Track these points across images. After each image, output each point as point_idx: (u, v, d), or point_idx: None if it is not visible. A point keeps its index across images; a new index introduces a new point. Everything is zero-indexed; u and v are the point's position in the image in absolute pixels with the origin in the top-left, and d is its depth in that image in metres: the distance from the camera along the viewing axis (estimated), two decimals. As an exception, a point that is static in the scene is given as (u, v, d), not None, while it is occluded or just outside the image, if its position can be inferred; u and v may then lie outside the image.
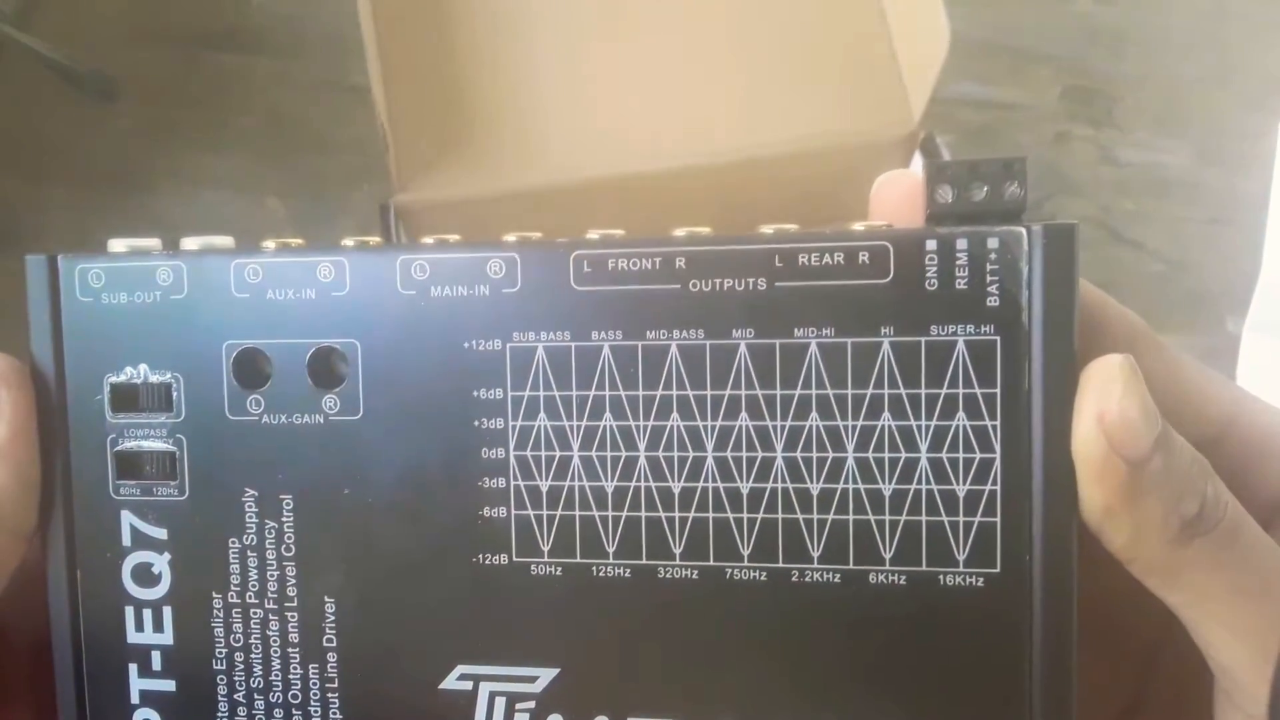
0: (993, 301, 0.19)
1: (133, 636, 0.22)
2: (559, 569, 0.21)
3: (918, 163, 0.49)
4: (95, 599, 0.21)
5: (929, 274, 0.19)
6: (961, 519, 0.19)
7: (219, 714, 0.22)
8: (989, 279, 0.19)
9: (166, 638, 0.22)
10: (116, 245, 0.21)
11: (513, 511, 0.21)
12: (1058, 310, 0.19)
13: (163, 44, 0.57)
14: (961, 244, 0.19)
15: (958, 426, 0.19)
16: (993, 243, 0.19)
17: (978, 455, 0.19)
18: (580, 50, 0.47)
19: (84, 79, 0.54)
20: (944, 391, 0.20)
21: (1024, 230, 0.19)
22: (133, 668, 0.22)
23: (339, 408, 0.21)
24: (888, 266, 0.19)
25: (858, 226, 0.20)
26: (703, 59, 0.48)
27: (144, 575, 0.21)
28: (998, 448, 0.19)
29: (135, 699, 0.22)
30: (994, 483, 0.19)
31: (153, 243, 0.21)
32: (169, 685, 0.22)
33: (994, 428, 0.19)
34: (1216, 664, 0.18)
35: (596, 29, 0.47)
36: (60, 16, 0.56)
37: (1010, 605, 0.18)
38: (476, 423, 0.21)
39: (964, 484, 0.19)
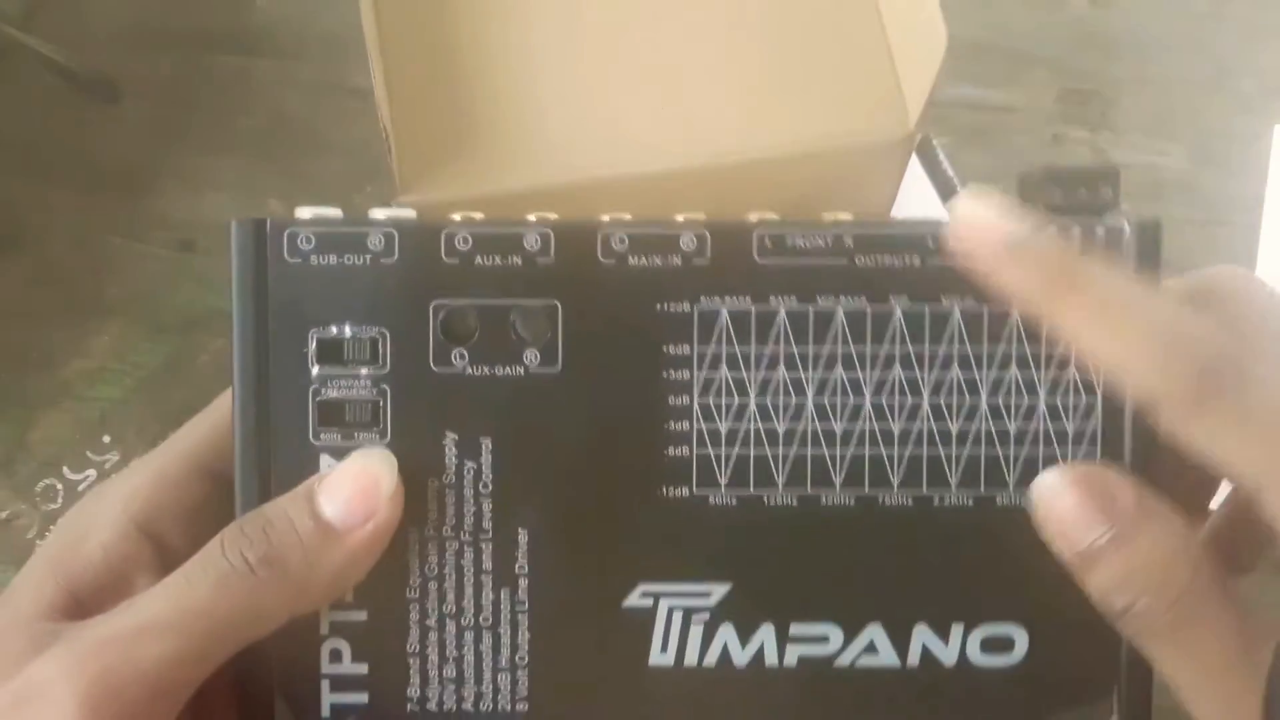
0: None
1: None
2: (734, 499, 0.23)
3: (916, 166, 0.49)
4: None
5: None
6: (1070, 448, 0.24)
7: (410, 639, 0.23)
8: None
9: None
10: (304, 213, 0.23)
11: (695, 450, 0.23)
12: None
13: (165, 46, 0.57)
14: (1076, 231, 0.23)
15: (1070, 377, 0.24)
16: (1100, 231, 0.23)
17: (1084, 399, 0.24)
18: (581, 52, 0.47)
19: (87, 81, 0.54)
20: (1059, 351, 0.24)
21: (1125, 221, 0.23)
22: None
23: (539, 361, 0.23)
24: None
25: None
26: (701, 61, 0.48)
27: None
28: (1099, 393, 0.24)
29: (325, 630, 0.23)
30: (1095, 421, 0.24)
31: (334, 212, 0.23)
32: (360, 615, 0.23)
33: (1097, 379, 0.24)
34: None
35: (597, 31, 0.47)
36: (63, 19, 0.57)
37: None
38: (665, 374, 0.23)
39: (1071, 422, 0.24)
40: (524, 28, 0.47)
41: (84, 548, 0.22)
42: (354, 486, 0.22)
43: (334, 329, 0.23)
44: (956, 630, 0.23)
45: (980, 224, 0.21)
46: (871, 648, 0.23)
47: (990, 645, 0.23)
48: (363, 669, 0.23)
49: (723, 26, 0.48)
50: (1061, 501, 0.21)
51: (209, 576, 0.21)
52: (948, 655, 0.23)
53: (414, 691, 0.23)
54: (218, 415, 0.24)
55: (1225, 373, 0.20)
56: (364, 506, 0.21)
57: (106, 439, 0.46)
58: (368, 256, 0.23)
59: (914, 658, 0.23)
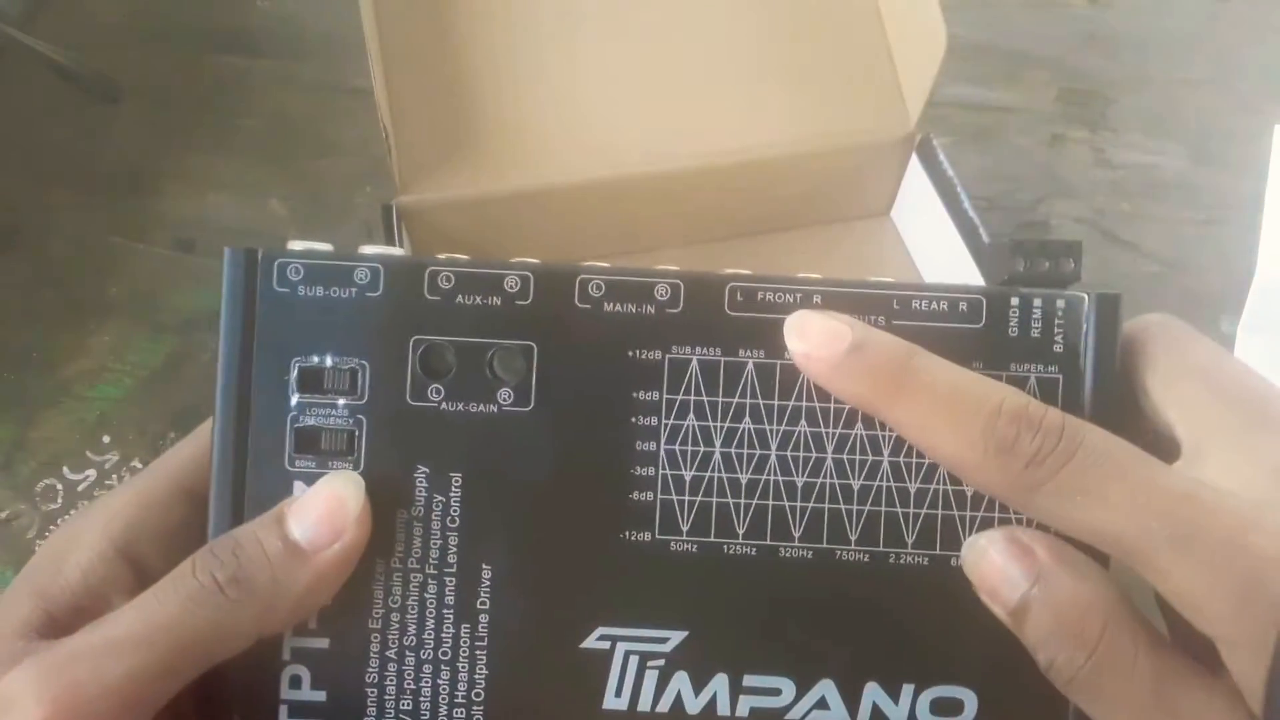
0: (1058, 348, 0.24)
1: None
2: (695, 546, 0.24)
3: (916, 166, 0.49)
4: None
5: (1011, 323, 0.24)
6: None
7: (369, 669, 0.23)
8: (1056, 330, 0.24)
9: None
10: (295, 245, 0.24)
11: (659, 496, 0.24)
12: (1105, 357, 0.24)
13: (166, 46, 0.57)
14: (1037, 302, 0.24)
15: None
16: (1061, 303, 0.24)
17: None
18: (581, 52, 0.47)
19: (88, 81, 0.54)
20: None
21: (1086, 295, 0.24)
22: None
23: (512, 400, 0.24)
24: (981, 314, 0.24)
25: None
26: (702, 61, 0.48)
27: None
28: None
29: (287, 655, 0.23)
30: None
31: (325, 247, 0.24)
32: (322, 643, 0.23)
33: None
34: None
35: (597, 32, 0.48)
36: (64, 19, 0.57)
37: None
38: (634, 419, 0.24)
39: None
40: (523, 28, 0.47)
41: (63, 569, 0.22)
42: (322, 509, 0.22)
43: (316, 358, 0.23)
44: (907, 690, 0.23)
45: (802, 353, 0.22)
46: (823, 703, 0.23)
47: (940, 707, 0.23)
48: (321, 696, 0.23)
49: (723, 27, 0.48)
50: (987, 560, 0.22)
51: (178, 595, 0.21)
52: (897, 715, 0.23)
53: None
54: (202, 439, 0.24)
55: (1051, 460, 0.20)
56: (331, 528, 0.22)
57: (106, 439, 0.46)
58: (353, 290, 0.23)
59: (864, 716, 0.23)
